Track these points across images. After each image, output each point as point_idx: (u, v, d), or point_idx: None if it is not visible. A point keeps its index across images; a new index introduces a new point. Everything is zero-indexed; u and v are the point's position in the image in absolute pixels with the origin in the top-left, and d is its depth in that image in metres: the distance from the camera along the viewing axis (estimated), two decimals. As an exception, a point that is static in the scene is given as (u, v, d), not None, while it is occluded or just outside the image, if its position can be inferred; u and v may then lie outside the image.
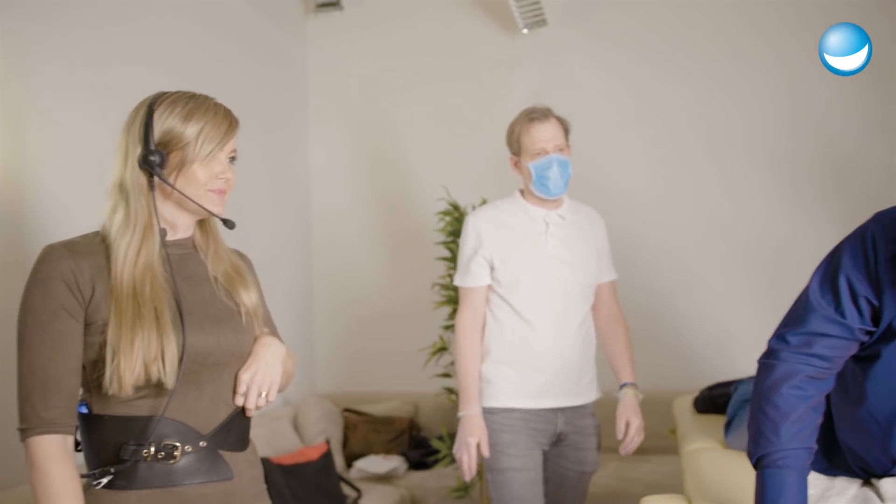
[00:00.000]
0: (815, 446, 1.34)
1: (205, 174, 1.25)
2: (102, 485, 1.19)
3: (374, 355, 3.93)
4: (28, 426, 1.16)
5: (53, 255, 1.20)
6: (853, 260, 1.31)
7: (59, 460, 1.16)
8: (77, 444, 1.23)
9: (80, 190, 2.33)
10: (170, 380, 1.17)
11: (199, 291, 1.28)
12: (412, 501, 3.26)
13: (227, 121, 1.28)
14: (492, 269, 2.09)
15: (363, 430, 3.54)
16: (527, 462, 2.02)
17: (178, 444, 1.19)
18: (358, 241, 3.99)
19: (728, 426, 1.93)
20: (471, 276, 2.09)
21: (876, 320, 1.31)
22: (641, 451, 3.53)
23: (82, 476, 1.20)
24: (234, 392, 1.28)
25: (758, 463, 1.33)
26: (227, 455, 1.25)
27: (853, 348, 1.34)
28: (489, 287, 2.10)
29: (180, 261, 1.29)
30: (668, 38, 3.64)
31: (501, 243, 2.08)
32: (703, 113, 3.59)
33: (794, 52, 3.47)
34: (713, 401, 2.29)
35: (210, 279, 1.31)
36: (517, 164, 2.12)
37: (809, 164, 3.45)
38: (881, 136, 3.38)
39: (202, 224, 1.35)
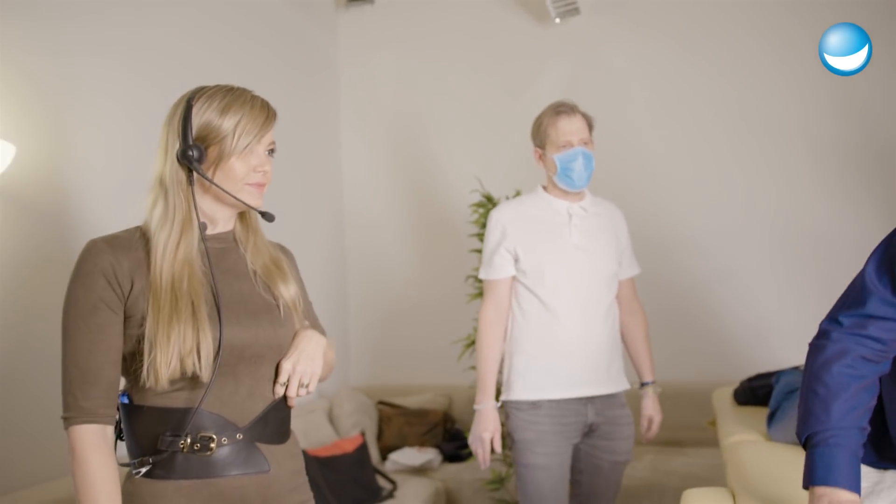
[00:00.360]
0: (868, 427, 1.30)
1: (243, 168, 1.25)
2: (141, 474, 1.21)
3: (408, 349, 3.94)
4: (69, 415, 1.18)
5: (94, 250, 1.22)
6: None
7: (97, 449, 1.18)
8: (120, 433, 1.25)
9: (121, 185, 2.38)
10: (205, 374, 1.19)
11: (238, 286, 1.29)
12: (447, 494, 3.27)
13: (265, 113, 1.28)
14: (516, 260, 2.12)
15: (397, 423, 3.56)
16: (552, 460, 2.05)
17: (214, 435, 1.21)
18: (391, 234, 4.00)
19: (771, 418, 1.89)
20: (494, 269, 2.13)
21: None
22: (678, 443, 3.52)
23: (123, 465, 1.22)
24: (275, 382, 1.28)
25: (807, 442, 1.29)
26: (265, 448, 1.26)
27: None
28: (514, 279, 2.13)
29: (219, 255, 1.30)
30: (703, 25, 3.58)
31: (525, 235, 2.11)
32: (740, 100, 3.52)
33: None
34: (753, 392, 2.25)
35: (249, 273, 1.32)
36: (542, 157, 2.15)
37: (853, 151, 3.36)
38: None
39: (243, 217, 1.35)
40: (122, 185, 2.37)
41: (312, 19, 3.88)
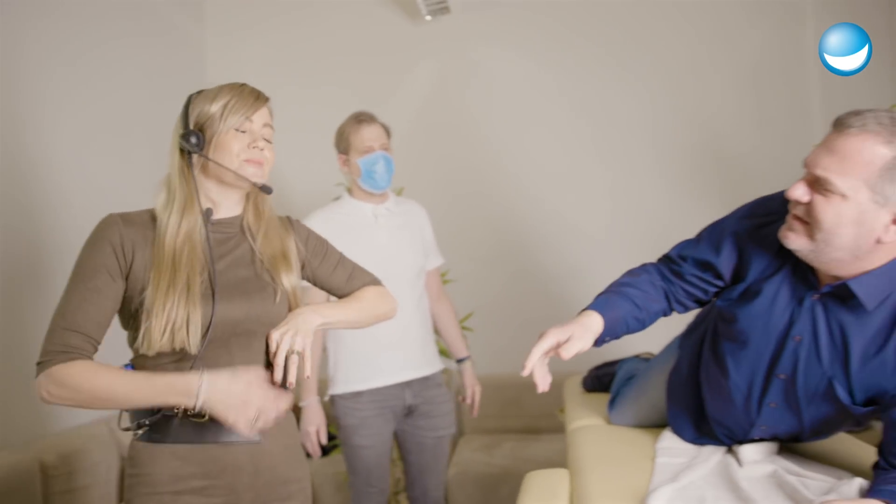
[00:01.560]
0: (636, 306, 1.54)
1: (237, 144, 1.34)
2: (139, 437, 1.31)
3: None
4: (45, 359, 1.24)
5: (108, 222, 1.32)
6: (738, 221, 1.50)
7: (95, 366, 1.24)
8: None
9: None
10: (194, 348, 1.27)
11: (238, 271, 1.36)
12: (313, 487, 3.24)
13: (254, 95, 1.38)
14: None
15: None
16: (374, 440, 2.30)
17: None
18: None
19: (612, 403, 2.01)
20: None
21: (736, 278, 1.48)
22: (536, 431, 3.67)
23: (124, 429, 1.33)
24: (266, 354, 1.36)
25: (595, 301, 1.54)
26: None
27: (705, 286, 1.54)
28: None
29: (223, 240, 1.38)
30: (570, 28, 3.75)
31: (338, 239, 2.17)
32: (602, 105, 3.72)
33: (684, 54, 3.65)
34: (599, 380, 2.38)
35: (254, 261, 1.39)
36: (346, 163, 2.34)
37: (697, 155, 3.64)
38: (756, 129, 3.61)
39: (255, 204, 1.42)
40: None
41: (179, 4, 3.72)
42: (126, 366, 1.33)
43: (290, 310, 1.41)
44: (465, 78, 3.78)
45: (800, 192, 1.27)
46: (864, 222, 1.23)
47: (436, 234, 2.56)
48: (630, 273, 1.65)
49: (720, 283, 1.54)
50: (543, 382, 1.39)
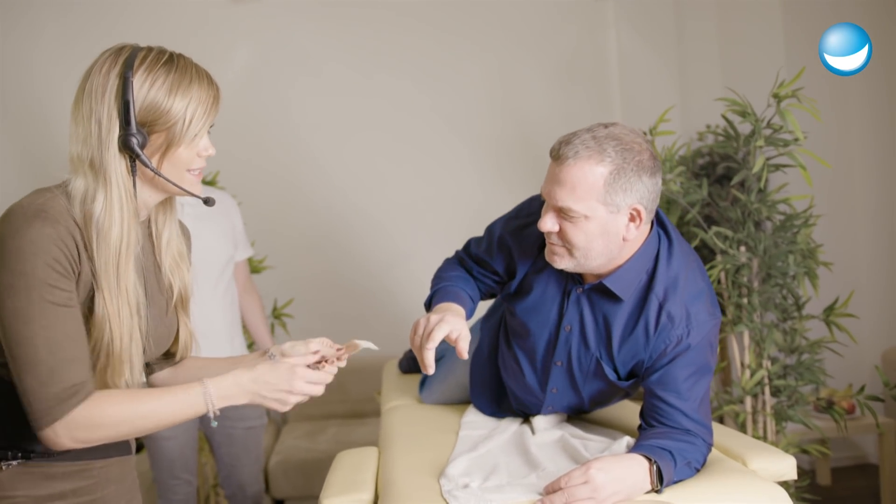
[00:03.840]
0: (471, 298, 1.68)
1: (189, 155, 1.15)
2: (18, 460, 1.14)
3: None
4: (52, 405, 1.06)
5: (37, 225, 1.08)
6: (505, 223, 1.68)
7: (123, 394, 1.12)
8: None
9: None
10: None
11: (152, 278, 1.24)
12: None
13: (213, 91, 1.16)
14: None
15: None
16: (176, 430, 2.25)
17: None
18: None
19: (422, 384, 2.10)
20: None
21: (510, 274, 1.65)
22: (360, 415, 3.72)
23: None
24: None
25: (431, 297, 1.66)
26: None
27: (489, 282, 1.72)
28: None
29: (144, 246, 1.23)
30: (393, 22, 3.77)
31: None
32: (421, 98, 3.80)
33: (500, 51, 3.84)
34: (414, 361, 2.47)
35: (155, 264, 1.24)
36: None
37: (513, 146, 3.85)
38: (563, 121, 3.85)
39: (165, 204, 1.23)
40: None
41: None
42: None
43: (175, 315, 1.30)
44: (284, 63, 3.71)
45: (549, 225, 1.42)
46: (608, 231, 1.41)
47: (254, 220, 2.53)
48: (451, 268, 1.78)
49: (498, 279, 1.70)
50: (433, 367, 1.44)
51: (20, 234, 1.03)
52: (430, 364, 1.42)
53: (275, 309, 3.20)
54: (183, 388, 1.14)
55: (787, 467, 1.50)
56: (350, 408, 3.75)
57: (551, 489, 1.26)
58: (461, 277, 1.72)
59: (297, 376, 1.18)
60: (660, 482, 1.31)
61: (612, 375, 1.53)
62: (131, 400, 1.10)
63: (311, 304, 3.60)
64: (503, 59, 3.85)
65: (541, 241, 1.55)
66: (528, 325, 1.60)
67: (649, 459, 1.31)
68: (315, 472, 3.17)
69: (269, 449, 3.38)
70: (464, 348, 1.42)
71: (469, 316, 1.63)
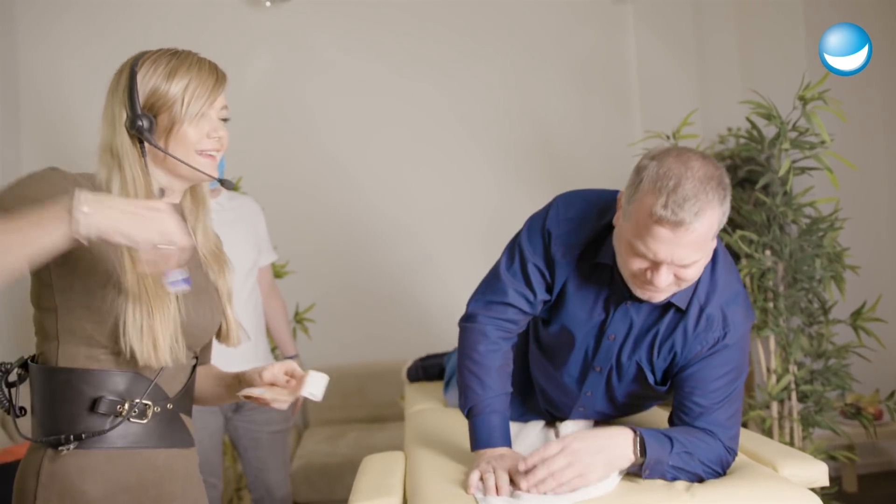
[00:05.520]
0: (511, 389, 1.56)
1: (196, 134, 1.19)
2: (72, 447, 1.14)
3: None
4: None
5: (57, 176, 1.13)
6: (531, 244, 1.54)
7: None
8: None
9: None
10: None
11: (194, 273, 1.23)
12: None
13: (214, 75, 1.21)
14: None
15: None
16: (201, 434, 2.23)
17: (149, 402, 1.18)
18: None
19: (447, 385, 2.10)
20: None
21: (550, 290, 1.55)
22: (380, 419, 3.73)
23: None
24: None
25: (469, 413, 1.52)
26: (187, 420, 1.26)
27: (535, 312, 1.58)
28: None
29: None
30: (411, 26, 3.80)
31: None
32: (440, 101, 3.82)
33: (518, 53, 3.84)
34: (426, 370, 2.48)
35: (198, 256, 1.26)
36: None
37: (530, 150, 3.85)
38: (580, 123, 3.87)
39: (193, 192, 1.27)
40: None
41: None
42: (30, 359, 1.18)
43: (225, 311, 1.31)
44: (305, 67, 3.74)
45: (666, 280, 1.31)
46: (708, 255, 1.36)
47: (276, 225, 2.54)
48: (484, 369, 1.55)
49: (546, 298, 1.57)
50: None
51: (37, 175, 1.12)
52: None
53: (297, 313, 3.21)
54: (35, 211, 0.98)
55: (819, 473, 1.48)
56: (370, 412, 3.75)
57: (532, 464, 1.28)
58: (500, 377, 1.54)
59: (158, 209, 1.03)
60: (643, 455, 1.31)
61: (651, 379, 1.51)
62: None
63: (332, 308, 3.62)
64: (521, 63, 3.86)
65: (581, 249, 1.48)
66: (568, 332, 1.56)
67: (634, 431, 1.32)
68: (337, 477, 3.18)
69: (290, 453, 3.38)
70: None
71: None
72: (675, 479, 1.36)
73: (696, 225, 1.25)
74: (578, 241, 1.49)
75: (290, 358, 2.56)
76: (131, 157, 1.17)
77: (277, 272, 3.01)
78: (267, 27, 3.73)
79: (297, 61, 3.73)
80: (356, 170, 3.77)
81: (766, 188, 2.46)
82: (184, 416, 1.26)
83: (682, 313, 1.44)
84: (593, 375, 1.58)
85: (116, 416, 1.15)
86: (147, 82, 1.18)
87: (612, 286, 1.49)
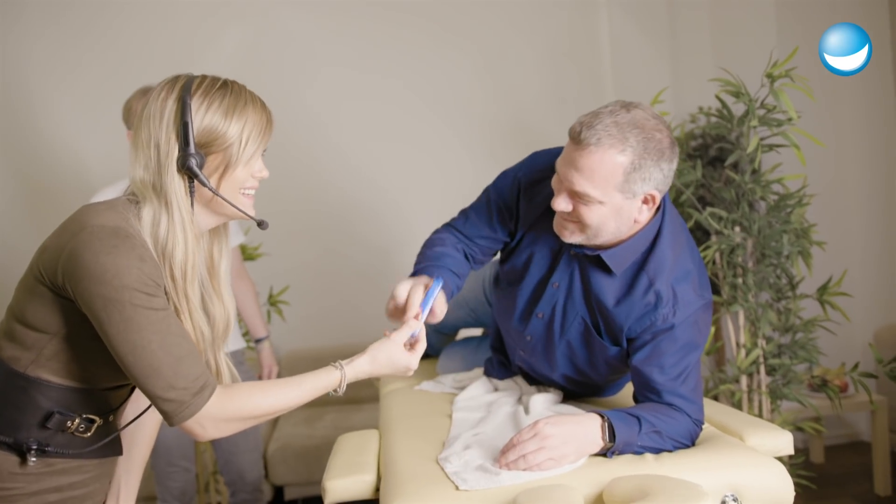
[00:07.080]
0: (461, 282, 1.66)
1: (244, 176, 1.18)
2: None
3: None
4: (181, 399, 1.10)
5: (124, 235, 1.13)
6: (501, 189, 1.68)
7: (251, 387, 1.18)
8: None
9: None
10: None
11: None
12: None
13: (266, 114, 1.19)
14: None
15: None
16: None
17: (95, 417, 1.20)
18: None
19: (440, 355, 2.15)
20: None
21: (512, 235, 1.66)
22: (356, 400, 3.73)
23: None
24: None
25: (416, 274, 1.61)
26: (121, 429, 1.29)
27: (495, 248, 1.71)
28: None
29: None
30: (389, 7, 3.76)
31: None
32: (418, 80, 3.80)
33: (495, 34, 3.83)
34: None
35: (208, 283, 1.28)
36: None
37: (505, 130, 3.85)
38: (554, 104, 3.87)
39: (220, 235, 1.26)
40: None
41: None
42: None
43: None
44: (276, 46, 3.69)
45: (563, 205, 1.42)
46: (621, 214, 1.42)
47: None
48: (439, 242, 1.72)
49: (507, 239, 1.70)
50: (442, 310, 1.46)
51: (112, 251, 1.06)
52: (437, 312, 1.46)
53: (271, 296, 3.20)
54: (315, 373, 1.25)
55: (784, 443, 1.52)
56: (347, 394, 3.70)
57: (506, 449, 1.32)
58: (445, 255, 1.67)
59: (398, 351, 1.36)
60: (612, 440, 1.34)
61: (597, 337, 1.55)
62: (262, 393, 1.17)
63: (306, 290, 3.60)
64: (495, 43, 3.85)
65: (547, 203, 1.53)
66: (518, 273, 1.63)
67: (602, 417, 1.35)
68: (314, 458, 3.19)
69: (267, 436, 3.38)
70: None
71: (455, 292, 1.63)
72: (644, 453, 1.39)
73: (594, 149, 1.33)
74: (545, 192, 1.54)
75: (260, 340, 2.55)
76: (180, 198, 1.13)
77: (250, 254, 2.99)
78: (238, 3, 3.67)
79: (265, 44, 3.68)
80: (328, 152, 3.75)
81: (735, 166, 2.49)
82: (119, 425, 1.29)
83: (610, 274, 1.49)
84: (535, 321, 1.62)
85: (63, 432, 1.17)
86: (202, 117, 1.13)
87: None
